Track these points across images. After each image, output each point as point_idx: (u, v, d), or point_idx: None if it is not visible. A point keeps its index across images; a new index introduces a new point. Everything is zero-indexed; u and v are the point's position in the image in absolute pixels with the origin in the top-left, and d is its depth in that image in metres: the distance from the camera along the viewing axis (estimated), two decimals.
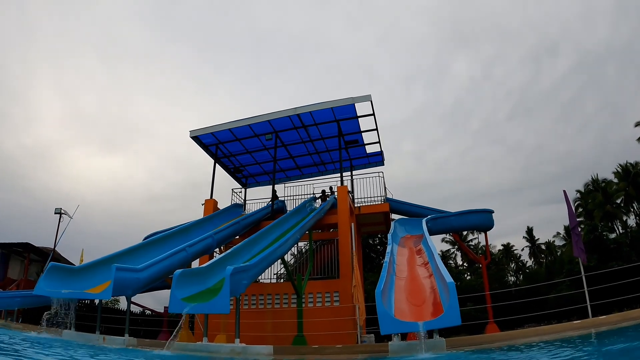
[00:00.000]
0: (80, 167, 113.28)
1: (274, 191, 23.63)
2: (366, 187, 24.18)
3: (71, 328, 14.51)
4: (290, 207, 24.49)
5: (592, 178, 50.09)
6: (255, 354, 11.86)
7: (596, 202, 45.97)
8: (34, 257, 30.28)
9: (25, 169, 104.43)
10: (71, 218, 29.87)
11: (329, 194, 23.22)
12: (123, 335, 13.82)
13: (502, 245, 58.97)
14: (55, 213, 29.99)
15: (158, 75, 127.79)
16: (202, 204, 22.92)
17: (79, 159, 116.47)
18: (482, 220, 21.01)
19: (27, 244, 29.04)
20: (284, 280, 23.39)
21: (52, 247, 29.14)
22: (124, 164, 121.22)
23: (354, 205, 21.75)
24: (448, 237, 49.19)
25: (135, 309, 26.49)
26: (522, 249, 60.48)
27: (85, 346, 10.92)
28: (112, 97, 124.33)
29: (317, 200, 22.27)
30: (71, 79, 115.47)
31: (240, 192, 26.57)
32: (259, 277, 18.22)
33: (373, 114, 20.94)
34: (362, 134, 22.89)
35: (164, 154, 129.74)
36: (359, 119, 21.52)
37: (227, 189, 26.38)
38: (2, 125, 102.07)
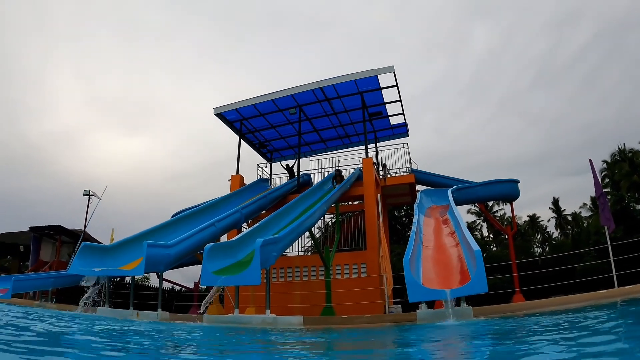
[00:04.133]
0: (104, 150, 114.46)
1: (296, 165, 23.74)
2: (391, 158, 24.20)
3: (105, 305, 14.89)
4: (316, 180, 24.62)
5: (618, 148, 49.04)
6: (285, 324, 11.95)
7: (623, 172, 45.07)
8: (65, 239, 30.77)
9: (51, 155, 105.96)
10: (100, 199, 30.32)
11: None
12: (155, 311, 14.10)
13: (527, 216, 58.46)
14: (84, 195, 30.46)
15: (176, 55, 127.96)
16: (229, 180, 23.12)
17: (102, 142, 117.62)
18: (508, 190, 20.92)
19: (58, 226, 29.54)
20: (311, 253, 23.56)
21: (83, 228, 29.64)
22: (146, 144, 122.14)
23: (379, 176, 21.74)
24: (473, 208, 48.88)
25: (166, 285, 26.92)
26: (548, 220, 59.77)
27: (121, 321, 11.19)
28: (132, 78, 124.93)
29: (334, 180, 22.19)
30: (89, 63, 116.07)
31: (266, 167, 26.82)
32: (287, 251, 18.43)
33: (396, 85, 20.81)
34: (386, 105, 22.80)
35: (185, 133, 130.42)
36: (382, 90, 21.41)
37: (252, 165, 26.49)
38: (25, 114, 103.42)
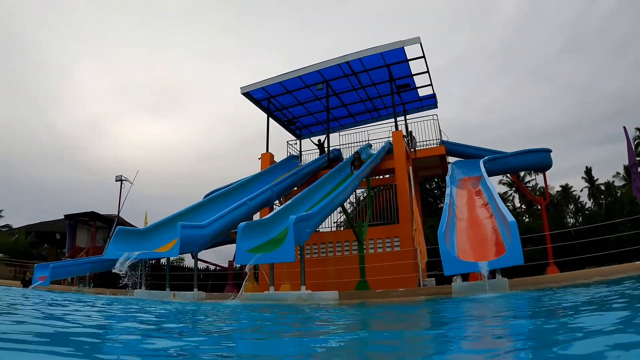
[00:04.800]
0: (133, 135, 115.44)
1: (321, 140, 23.72)
2: (421, 130, 24.01)
3: (142, 287, 15.17)
4: (346, 155, 24.55)
5: None
6: (321, 299, 11.97)
7: None
8: (100, 225, 31.38)
9: (81, 143, 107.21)
10: (132, 184, 30.71)
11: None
12: (191, 291, 14.31)
13: (560, 186, 57.46)
14: (116, 180, 30.90)
15: (200, 37, 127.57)
16: (259, 159, 23.24)
17: (131, 128, 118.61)
18: (540, 159, 20.64)
19: (92, 212, 30.14)
20: (344, 228, 23.63)
21: (117, 214, 30.16)
22: (175, 127, 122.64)
23: (409, 149, 21.61)
24: (505, 179, 48.39)
25: (201, 265, 27.27)
26: (581, 190, 58.69)
27: (158, 302, 11.38)
28: (156, 63, 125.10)
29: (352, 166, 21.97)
30: (114, 52, 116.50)
31: (295, 143, 26.87)
32: (320, 227, 18.50)
33: (423, 56, 20.54)
34: (414, 77, 22.53)
35: (213, 114, 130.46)
36: (409, 62, 21.16)
37: (282, 142, 26.54)
38: (53, 105, 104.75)
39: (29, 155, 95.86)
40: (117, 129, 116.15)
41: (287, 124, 26.85)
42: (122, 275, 13.96)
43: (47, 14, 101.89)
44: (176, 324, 5.68)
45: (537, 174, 43.00)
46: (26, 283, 21.22)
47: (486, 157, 19.61)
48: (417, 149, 22.40)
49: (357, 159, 19.82)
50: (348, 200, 22.44)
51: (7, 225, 48.57)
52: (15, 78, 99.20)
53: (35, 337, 3.31)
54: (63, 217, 31.83)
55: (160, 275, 22.10)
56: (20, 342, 2.90)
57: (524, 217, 44.15)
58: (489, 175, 16.64)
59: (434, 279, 17.09)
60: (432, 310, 8.21)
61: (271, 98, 24.09)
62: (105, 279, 23.89)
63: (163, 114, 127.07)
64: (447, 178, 17.43)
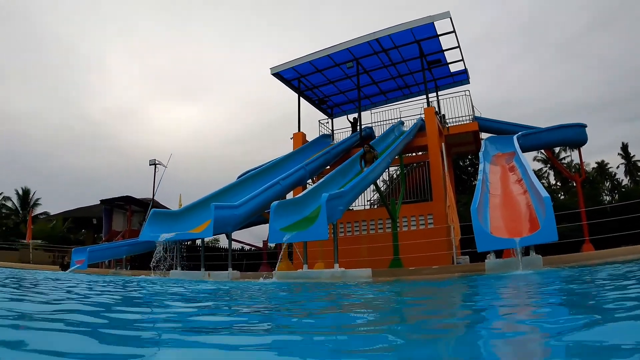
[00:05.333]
0: (163, 120, 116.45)
1: (356, 118, 23.63)
2: (453, 107, 23.72)
3: (177, 268, 15.43)
4: (378, 133, 24.45)
5: None
6: (354, 277, 12.06)
7: None
8: (135, 208, 31.89)
9: (113, 130, 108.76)
10: (165, 167, 31.11)
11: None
12: (226, 271, 14.51)
13: (595, 163, 56.33)
14: (149, 164, 31.32)
15: (225, 20, 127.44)
16: (291, 138, 23.35)
17: (162, 113, 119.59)
18: (575, 134, 20.25)
19: (127, 196, 30.66)
20: (377, 206, 23.64)
21: (151, 197, 30.59)
22: (205, 111, 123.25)
23: (442, 126, 21.45)
24: (539, 155, 47.65)
25: (235, 245, 27.58)
26: (617, 167, 57.40)
27: (193, 281, 11.56)
28: (184, 49, 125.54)
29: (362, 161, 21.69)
30: (141, 40, 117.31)
31: (327, 122, 26.87)
32: (353, 205, 18.55)
33: (454, 31, 20.22)
34: (444, 52, 22.24)
35: (243, 96, 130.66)
36: (439, 37, 20.87)
37: (313, 122, 26.59)
38: (84, 93, 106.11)
39: (63, 144, 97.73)
40: (148, 115, 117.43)
41: (318, 103, 26.86)
42: (158, 257, 14.27)
43: (75, 4, 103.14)
44: (210, 301, 5.79)
45: (572, 150, 42.27)
46: (64, 267, 21.70)
47: (520, 133, 19.34)
48: (449, 125, 22.18)
49: (368, 152, 17.89)
50: (381, 179, 22.41)
51: (45, 213, 49.83)
52: (46, 69, 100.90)
53: (78, 314, 3.43)
54: (99, 202, 32.45)
55: (196, 257, 22.41)
56: (68, 320, 3.01)
57: (559, 195, 43.53)
58: (523, 151, 16.46)
59: (467, 256, 17.00)
60: (465, 286, 8.23)
61: (301, 77, 24.09)
62: (142, 261, 24.31)
63: (194, 97, 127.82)
64: (481, 154, 17.28)
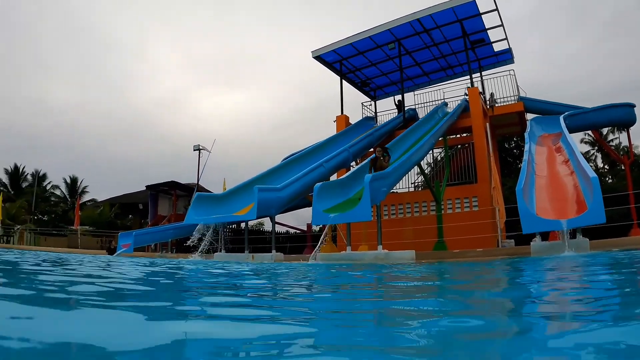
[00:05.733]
0: (207, 107, 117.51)
1: (401, 100, 23.50)
2: (497, 87, 23.33)
3: (221, 250, 15.70)
4: (421, 114, 24.27)
5: None
6: (398, 259, 12.06)
7: None
8: (180, 193, 32.56)
9: (157, 118, 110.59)
10: (209, 152, 31.59)
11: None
12: (269, 253, 14.70)
13: None
14: (194, 150, 31.87)
15: (266, 5, 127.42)
16: (334, 121, 23.42)
17: (206, 100, 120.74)
18: (623, 115, 19.78)
19: (172, 182, 31.34)
20: (421, 189, 23.56)
21: (196, 182, 31.13)
22: (248, 96, 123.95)
23: (486, 106, 21.21)
24: (586, 137, 46.49)
25: (279, 229, 27.88)
26: None
27: (237, 263, 11.76)
28: (226, 37, 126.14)
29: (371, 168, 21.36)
30: (184, 29, 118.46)
31: (370, 105, 26.81)
32: (397, 188, 18.53)
33: (496, 9, 19.88)
34: (487, 31, 21.84)
35: (285, 81, 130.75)
36: (482, 16, 20.49)
37: (356, 104, 26.51)
38: (130, 83, 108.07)
39: (109, 133, 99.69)
40: (192, 102, 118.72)
41: (361, 86, 26.79)
42: (197, 239, 14.56)
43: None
44: (254, 281, 5.93)
45: (621, 132, 41.14)
46: (111, 251, 22.24)
47: (566, 113, 18.92)
48: (495, 105, 21.85)
49: (380, 157, 15.16)
50: (425, 161, 22.29)
51: (92, 200, 51.23)
52: (91, 60, 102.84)
53: (129, 292, 3.58)
54: (145, 188, 33.19)
55: (240, 239, 22.74)
56: (120, 295, 3.15)
57: (607, 178, 42.47)
58: (570, 132, 16.16)
59: (512, 240, 16.82)
60: (511, 268, 8.19)
61: (343, 60, 24.06)
62: (186, 245, 24.86)
63: (236, 84, 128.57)
64: (526, 135, 17.00)
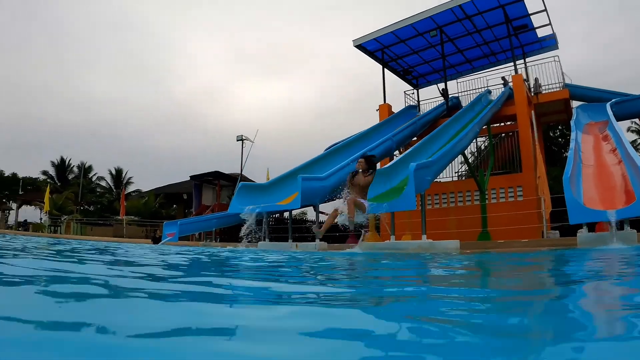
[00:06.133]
0: (250, 98, 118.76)
1: (445, 88, 23.35)
2: (541, 74, 22.92)
3: (265, 239, 15.91)
4: (464, 102, 24.08)
5: None
6: (442, 249, 12.03)
7: None
8: (224, 183, 32.96)
9: (200, 109, 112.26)
10: (252, 142, 31.89)
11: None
12: (313, 242, 14.85)
13: None
14: (237, 140, 32.18)
15: None
16: (377, 110, 23.44)
17: (248, 91, 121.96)
18: None
19: (216, 172, 31.73)
20: (465, 178, 23.45)
21: (239, 172, 31.47)
22: (291, 86, 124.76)
23: (530, 94, 20.91)
24: (634, 126, 45.30)
25: (322, 218, 28.01)
26: None
27: (282, 252, 11.89)
28: (268, 28, 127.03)
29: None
30: (225, 21, 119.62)
31: (413, 93, 26.63)
32: (440, 177, 18.50)
33: None
34: (531, 17, 21.52)
35: (326, 71, 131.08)
36: (525, 0, 20.17)
37: (398, 93, 26.39)
38: (170, 76, 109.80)
39: (152, 125, 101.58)
40: (235, 92, 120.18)
41: (403, 74, 26.67)
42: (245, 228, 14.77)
43: None
44: (297, 269, 6.06)
45: None
46: (156, 240, 22.68)
47: (613, 100, 18.57)
48: (540, 92, 21.54)
49: (360, 171, 11.94)
50: (469, 150, 22.16)
51: (137, 190, 52.52)
52: (134, 55, 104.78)
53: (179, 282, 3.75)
54: (189, 178, 33.71)
55: (283, 229, 22.93)
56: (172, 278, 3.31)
57: None
58: (617, 120, 15.90)
59: (557, 231, 16.60)
60: (559, 260, 8.15)
61: (385, 48, 24.01)
62: (230, 234, 25.06)
63: (278, 75, 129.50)
64: (572, 123, 16.77)
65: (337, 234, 24.67)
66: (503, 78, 22.78)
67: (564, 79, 22.21)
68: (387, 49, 24.02)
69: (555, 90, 22.03)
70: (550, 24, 22.01)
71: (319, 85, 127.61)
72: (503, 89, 21.63)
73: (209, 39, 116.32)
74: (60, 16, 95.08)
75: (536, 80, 21.94)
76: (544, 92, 21.89)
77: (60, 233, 34.63)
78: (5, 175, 50.74)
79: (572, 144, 13.84)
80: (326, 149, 20.46)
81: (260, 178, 30.90)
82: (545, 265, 6.90)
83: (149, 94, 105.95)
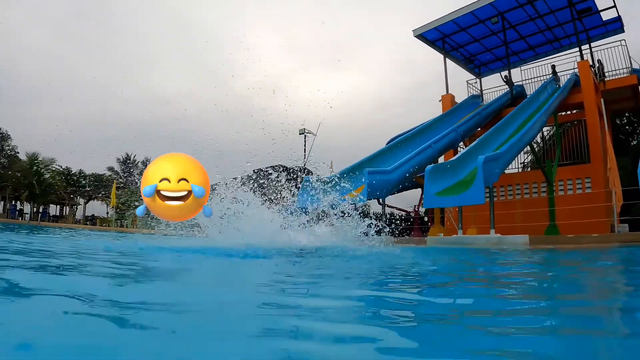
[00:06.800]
0: (310, 91, 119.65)
1: (508, 76, 23.05)
2: (607, 59, 22.22)
3: None
4: (529, 91, 23.73)
5: None
6: (511, 244, 12.02)
7: None
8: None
9: (260, 103, 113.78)
10: (315, 135, 32.14)
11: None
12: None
13: None
14: (300, 134, 32.47)
15: None
16: (439, 101, 23.35)
17: (308, 84, 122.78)
18: None
19: (280, 165, 32.09)
20: (531, 169, 23.18)
21: (303, 165, 31.82)
22: (351, 79, 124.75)
23: (598, 80, 20.39)
24: None
25: (388, 210, 28.05)
26: None
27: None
28: (324, 22, 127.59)
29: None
30: (283, 17, 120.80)
31: (475, 82, 26.40)
32: (506, 168, 18.35)
33: None
34: None
35: (386, 62, 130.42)
36: None
37: (461, 83, 26.17)
38: (229, 70, 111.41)
39: (214, 120, 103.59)
40: (293, 87, 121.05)
41: (465, 63, 26.43)
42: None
43: None
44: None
45: None
46: None
47: None
48: (603, 79, 21.01)
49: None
50: (534, 140, 21.85)
51: None
52: (192, 52, 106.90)
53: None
54: (252, 172, 34.20)
55: None
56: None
57: None
58: None
59: (627, 225, 16.24)
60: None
61: (445, 37, 23.84)
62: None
63: (338, 67, 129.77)
64: None
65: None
66: (553, 66, 22.39)
67: (631, 64, 21.55)
68: (448, 37, 23.83)
69: (623, 76, 21.35)
70: (615, 6, 21.31)
71: (380, 76, 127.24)
72: (553, 78, 21.15)
73: (268, 32, 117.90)
74: (119, 15, 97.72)
75: (599, 65, 21.33)
76: (610, 78, 21.33)
77: (127, 227, 35.70)
78: (73, 172, 52.51)
79: None
80: (388, 142, 20.51)
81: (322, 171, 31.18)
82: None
83: (212, 89, 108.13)
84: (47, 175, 48.42)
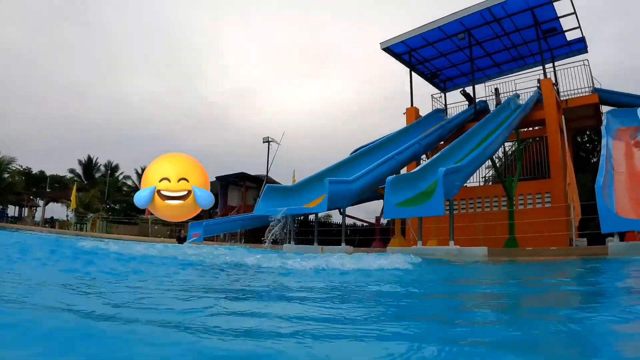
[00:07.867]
0: (279, 100, 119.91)
1: (466, 92, 23.23)
2: (570, 78, 22.63)
3: (291, 242, 15.96)
4: (492, 107, 23.88)
5: None
6: (470, 255, 12.09)
7: None
8: (250, 185, 33.29)
9: (229, 110, 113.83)
10: (279, 144, 32.03)
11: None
12: (339, 246, 14.86)
13: None
14: (263, 142, 32.35)
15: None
16: (404, 113, 23.39)
17: (278, 92, 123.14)
18: None
19: (242, 173, 31.99)
20: (492, 183, 23.29)
21: (265, 174, 31.66)
22: (316, 90, 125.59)
23: (559, 98, 20.66)
24: None
25: (348, 221, 28.07)
26: None
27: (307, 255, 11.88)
28: (300, 30, 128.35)
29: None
30: (257, 23, 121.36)
31: (440, 97, 26.55)
32: (467, 181, 18.38)
33: None
34: (559, 20, 21.14)
35: (353, 74, 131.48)
36: (554, 3, 19.83)
37: (426, 97, 26.35)
38: (202, 77, 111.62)
39: (180, 125, 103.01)
40: (263, 94, 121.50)
41: (431, 77, 26.56)
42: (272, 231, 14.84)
43: None
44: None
45: None
46: (181, 240, 22.81)
47: None
48: (568, 98, 21.27)
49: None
50: (496, 155, 21.99)
51: None
52: (163, 55, 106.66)
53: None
54: (215, 179, 33.96)
55: (308, 231, 22.96)
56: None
57: None
58: None
59: (585, 239, 16.40)
60: (593, 271, 8.08)
61: (412, 51, 23.90)
62: (255, 236, 25.26)
63: (306, 78, 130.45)
64: (603, 128, 16.53)
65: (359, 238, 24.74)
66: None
67: (593, 83, 21.91)
68: (415, 51, 23.92)
69: (584, 95, 21.69)
70: (579, 27, 21.71)
71: (346, 88, 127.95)
72: (531, 93, 21.39)
73: (241, 39, 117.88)
74: (93, 18, 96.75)
75: (554, 84, 21.54)
76: (572, 96, 21.64)
77: (86, 231, 35.08)
78: (33, 172, 51.47)
79: (603, 151, 13.70)
80: (352, 152, 20.49)
81: (286, 180, 31.05)
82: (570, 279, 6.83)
83: (179, 95, 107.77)
84: (6, 175, 47.40)
